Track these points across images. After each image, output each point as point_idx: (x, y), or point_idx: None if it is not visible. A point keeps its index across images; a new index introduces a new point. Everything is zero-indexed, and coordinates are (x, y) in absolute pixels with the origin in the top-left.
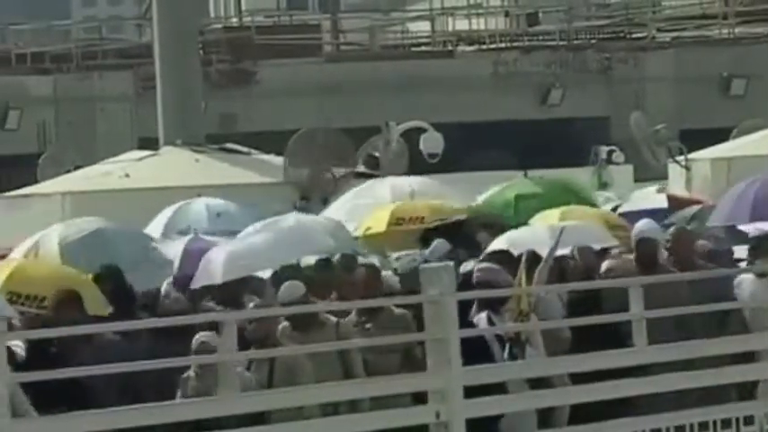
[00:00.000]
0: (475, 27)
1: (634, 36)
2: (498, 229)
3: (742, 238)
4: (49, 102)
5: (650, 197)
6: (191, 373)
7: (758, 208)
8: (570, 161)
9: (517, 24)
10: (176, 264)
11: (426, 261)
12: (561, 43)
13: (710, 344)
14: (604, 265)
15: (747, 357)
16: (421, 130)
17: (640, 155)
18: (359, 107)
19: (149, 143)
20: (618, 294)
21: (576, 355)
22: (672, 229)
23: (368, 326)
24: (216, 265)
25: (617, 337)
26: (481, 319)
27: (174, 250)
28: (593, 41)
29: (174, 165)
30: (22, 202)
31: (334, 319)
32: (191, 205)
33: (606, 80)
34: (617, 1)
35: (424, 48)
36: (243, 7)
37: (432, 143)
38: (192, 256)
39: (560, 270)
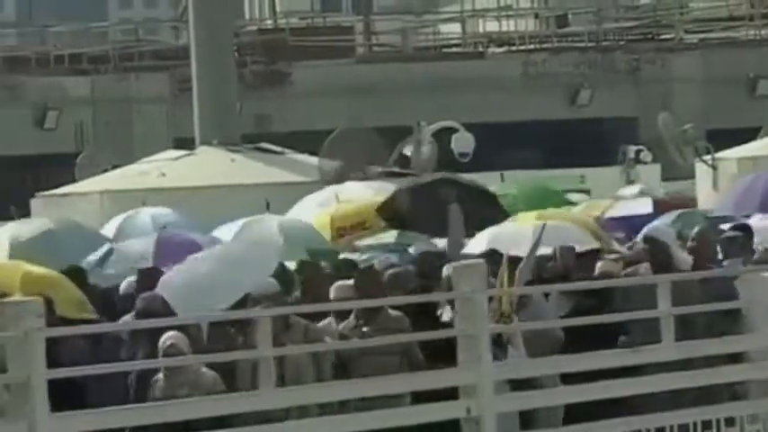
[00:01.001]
0: (505, 29)
1: (662, 37)
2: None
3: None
4: (86, 102)
5: (635, 202)
6: (160, 375)
7: (741, 203)
8: (599, 161)
9: (547, 26)
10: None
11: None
12: (590, 44)
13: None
14: (598, 267)
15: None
16: (452, 130)
17: (668, 154)
18: (391, 107)
19: (185, 143)
20: (623, 296)
21: (605, 351)
22: (696, 230)
23: (365, 329)
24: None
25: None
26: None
27: (136, 248)
28: (621, 43)
29: (209, 164)
30: (60, 201)
31: (303, 321)
32: (136, 217)
33: (634, 81)
34: (645, 3)
35: (455, 49)
36: (277, 9)
37: (463, 143)
38: (167, 248)
39: (537, 270)
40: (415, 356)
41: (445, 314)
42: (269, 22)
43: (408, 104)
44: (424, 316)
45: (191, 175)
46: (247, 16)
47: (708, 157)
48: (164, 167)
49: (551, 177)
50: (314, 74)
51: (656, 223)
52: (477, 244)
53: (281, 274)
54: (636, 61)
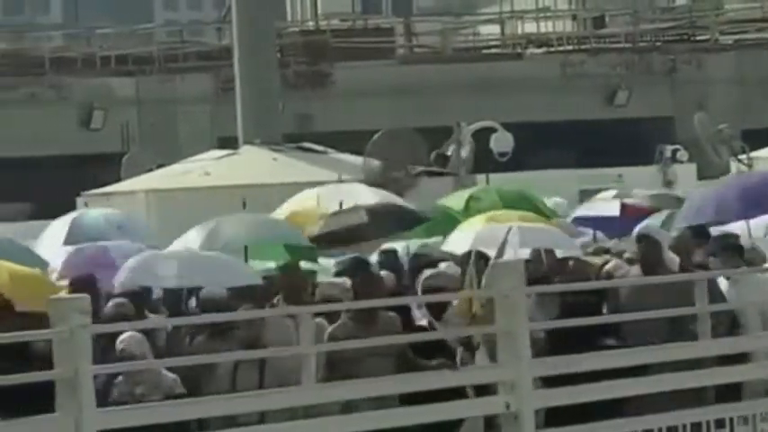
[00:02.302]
0: (543, 30)
1: (697, 38)
2: None
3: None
4: (131, 103)
5: (603, 204)
6: (120, 376)
7: (721, 206)
8: (636, 160)
9: (584, 27)
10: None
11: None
12: (627, 46)
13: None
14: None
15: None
16: (491, 130)
17: (704, 153)
18: (430, 108)
19: (228, 143)
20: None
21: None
22: (675, 232)
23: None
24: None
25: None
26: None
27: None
28: (657, 44)
29: (252, 163)
30: (106, 200)
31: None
32: (86, 216)
33: (670, 81)
34: (681, 4)
35: (494, 50)
36: (319, 11)
37: (502, 142)
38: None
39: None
40: (411, 359)
41: (420, 318)
42: (311, 23)
43: (448, 105)
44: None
45: (234, 174)
46: (289, 18)
47: (743, 156)
48: (207, 167)
49: (589, 176)
50: (355, 74)
51: (648, 222)
52: (462, 243)
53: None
54: (672, 62)
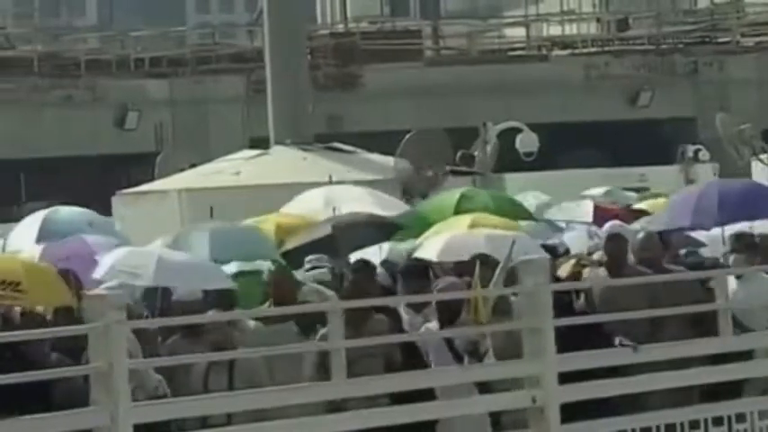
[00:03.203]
0: (568, 32)
1: (719, 41)
2: None
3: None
4: (165, 104)
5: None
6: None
7: (699, 211)
8: (658, 160)
9: (608, 30)
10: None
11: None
12: (650, 47)
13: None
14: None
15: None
16: (517, 131)
17: (725, 153)
18: (457, 108)
19: (260, 143)
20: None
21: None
22: (642, 234)
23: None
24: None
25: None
26: (430, 327)
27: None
28: (680, 46)
29: (283, 163)
30: (140, 199)
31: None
32: (58, 213)
33: (693, 82)
34: (703, 7)
35: (519, 52)
36: (349, 14)
37: (527, 143)
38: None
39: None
40: (397, 360)
41: (407, 321)
42: (340, 26)
43: (474, 106)
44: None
45: (265, 174)
46: (319, 21)
47: (764, 156)
48: (239, 166)
49: (613, 176)
50: (384, 76)
51: (614, 222)
52: (432, 249)
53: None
54: (694, 63)
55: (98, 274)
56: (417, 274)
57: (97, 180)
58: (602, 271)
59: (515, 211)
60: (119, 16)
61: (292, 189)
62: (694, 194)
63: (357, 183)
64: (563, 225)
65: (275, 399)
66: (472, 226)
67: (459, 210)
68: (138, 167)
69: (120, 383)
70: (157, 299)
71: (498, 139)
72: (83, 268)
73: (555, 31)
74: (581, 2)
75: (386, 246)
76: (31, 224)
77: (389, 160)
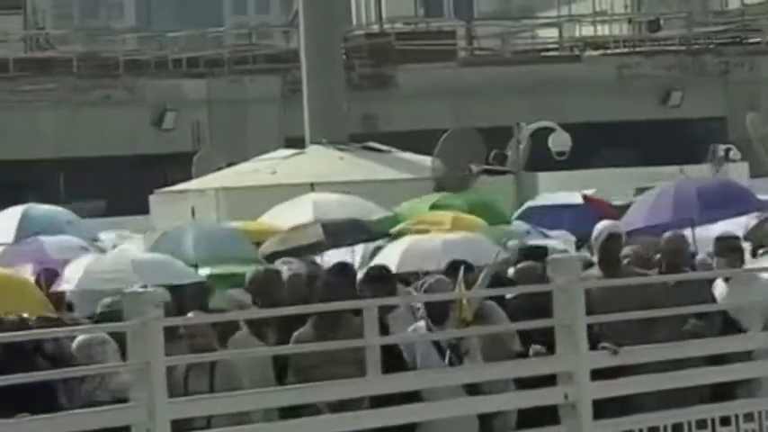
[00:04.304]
0: (600, 33)
1: (750, 41)
2: None
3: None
4: (202, 104)
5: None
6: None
7: (679, 210)
8: (689, 159)
9: (640, 30)
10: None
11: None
12: (681, 48)
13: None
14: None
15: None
16: (550, 130)
17: (755, 152)
18: (490, 108)
19: (296, 142)
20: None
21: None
22: (668, 234)
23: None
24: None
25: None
26: (419, 327)
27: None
28: (711, 46)
29: (319, 162)
30: (178, 197)
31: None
32: (36, 210)
33: (723, 82)
34: (734, 8)
35: (552, 53)
36: (383, 15)
37: (560, 142)
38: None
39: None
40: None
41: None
42: (375, 27)
43: (508, 105)
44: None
45: (301, 173)
46: (354, 22)
47: None
48: (275, 165)
49: (645, 174)
50: (418, 76)
51: (606, 221)
52: (391, 255)
53: None
54: (725, 64)
55: (71, 281)
56: (381, 279)
57: (135, 179)
58: (596, 271)
59: (491, 217)
60: (157, 17)
61: (329, 188)
62: (670, 192)
63: (393, 182)
64: (545, 231)
65: (310, 395)
66: (453, 225)
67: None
68: (175, 167)
69: (157, 380)
70: None
71: (531, 138)
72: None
73: (587, 31)
74: (613, 3)
75: (360, 250)
76: (7, 220)
77: (424, 159)
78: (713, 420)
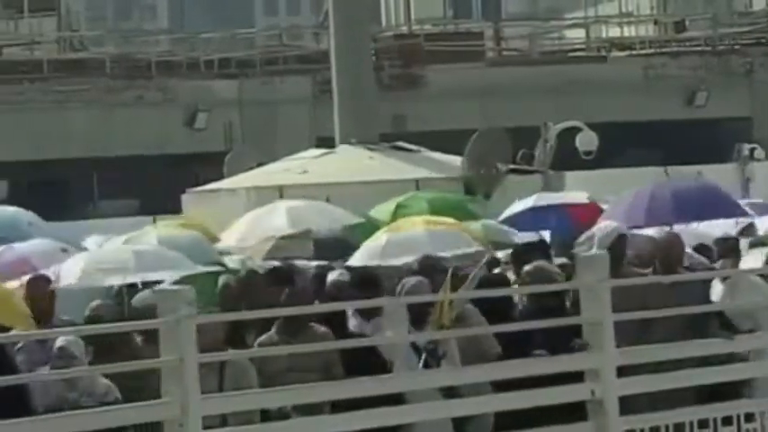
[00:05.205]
0: (626, 34)
1: None
2: None
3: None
4: (234, 104)
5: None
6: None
7: (653, 210)
8: (714, 158)
9: (665, 31)
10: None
11: None
12: (706, 49)
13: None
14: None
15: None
16: (577, 130)
17: None
18: (518, 108)
19: (326, 142)
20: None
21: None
22: (663, 234)
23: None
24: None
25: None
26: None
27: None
28: (736, 47)
29: (349, 162)
30: (209, 197)
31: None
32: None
33: (748, 83)
34: (759, 9)
35: (578, 53)
36: (412, 16)
37: (587, 141)
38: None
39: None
40: (339, 374)
41: (351, 324)
42: (404, 28)
43: (534, 105)
44: (335, 328)
45: (332, 172)
46: (384, 23)
47: None
48: (306, 165)
49: (670, 173)
50: (446, 77)
51: (608, 221)
52: (375, 246)
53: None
54: (749, 64)
55: (68, 279)
56: (368, 282)
57: (167, 178)
58: None
59: (458, 215)
60: (189, 19)
61: (359, 187)
62: (646, 194)
63: (422, 180)
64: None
65: (348, 391)
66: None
67: (395, 218)
68: (207, 166)
69: (190, 376)
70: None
71: (557, 138)
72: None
73: (614, 32)
74: (639, 4)
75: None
76: None
77: (453, 159)
78: (738, 417)
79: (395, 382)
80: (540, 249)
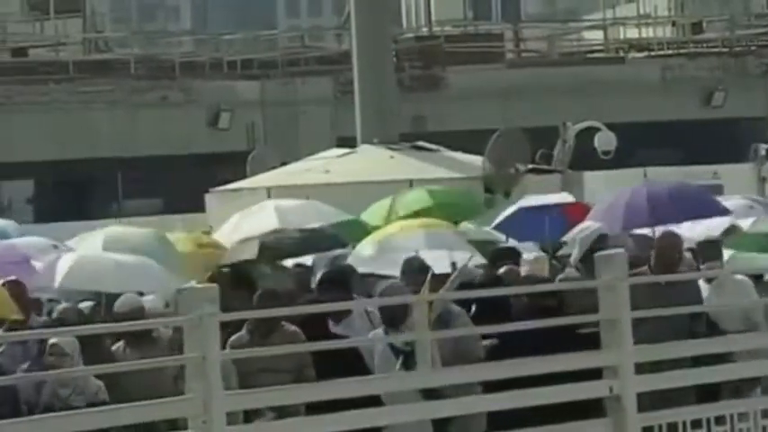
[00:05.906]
0: (644, 35)
1: None
2: None
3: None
4: (256, 105)
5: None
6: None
7: (656, 210)
8: (731, 158)
9: (683, 32)
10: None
11: None
12: (724, 50)
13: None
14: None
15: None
16: (595, 130)
17: None
18: (537, 109)
19: (347, 142)
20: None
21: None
22: (660, 232)
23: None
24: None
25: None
26: (377, 334)
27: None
28: (753, 48)
29: (370, 161)
30: (232, 196)
31: (168, 333)
32: None
33: (765, 83)
34: None
35: (597, 54)
36: (433, 18)
37: (605, 141)
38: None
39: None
40: (310, 375)
41: (333, 326)
42: (425, 29)
43: (554, 106)
44: (315, 328)
45: (353, 172)
46: (405, 24)
47: None
48: (327, 165)
49: (685, 173)
50: (466, 78)
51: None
52: (369, 247)
53: None
54: (766, 65)
55: (53, 280)
56: (336, 283)
57: (191, 178)
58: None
59: (456, 210)
60: (212, 20)
61: (380, 186)
62: (624, 197)
63: (441, 180)
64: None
65: (363, 387)
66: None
67: (391, 212)
68: (230, 166)
69: (213, 373)
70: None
71: (576, 138)
72: (20, 274)
73: (632, 34)
74: (657, 6)
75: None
76: None
77: (472, 159)
78: (755, 413)
79: (378, 383)
80: (511, 254)
